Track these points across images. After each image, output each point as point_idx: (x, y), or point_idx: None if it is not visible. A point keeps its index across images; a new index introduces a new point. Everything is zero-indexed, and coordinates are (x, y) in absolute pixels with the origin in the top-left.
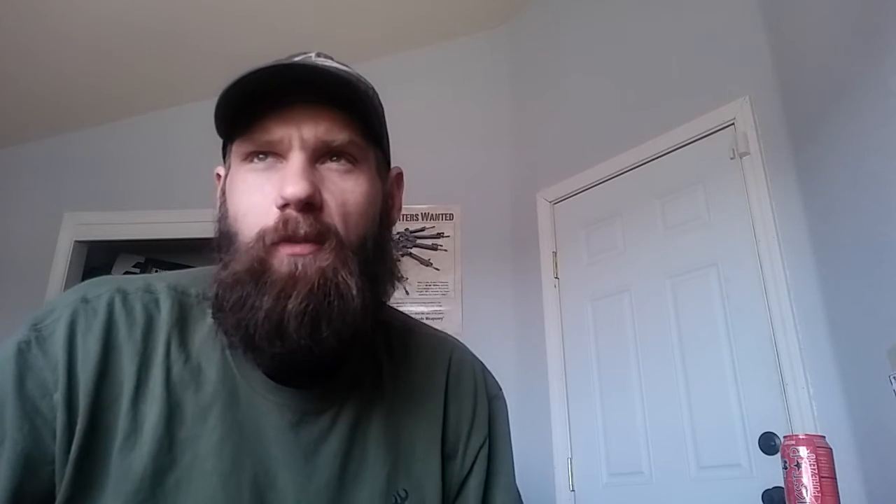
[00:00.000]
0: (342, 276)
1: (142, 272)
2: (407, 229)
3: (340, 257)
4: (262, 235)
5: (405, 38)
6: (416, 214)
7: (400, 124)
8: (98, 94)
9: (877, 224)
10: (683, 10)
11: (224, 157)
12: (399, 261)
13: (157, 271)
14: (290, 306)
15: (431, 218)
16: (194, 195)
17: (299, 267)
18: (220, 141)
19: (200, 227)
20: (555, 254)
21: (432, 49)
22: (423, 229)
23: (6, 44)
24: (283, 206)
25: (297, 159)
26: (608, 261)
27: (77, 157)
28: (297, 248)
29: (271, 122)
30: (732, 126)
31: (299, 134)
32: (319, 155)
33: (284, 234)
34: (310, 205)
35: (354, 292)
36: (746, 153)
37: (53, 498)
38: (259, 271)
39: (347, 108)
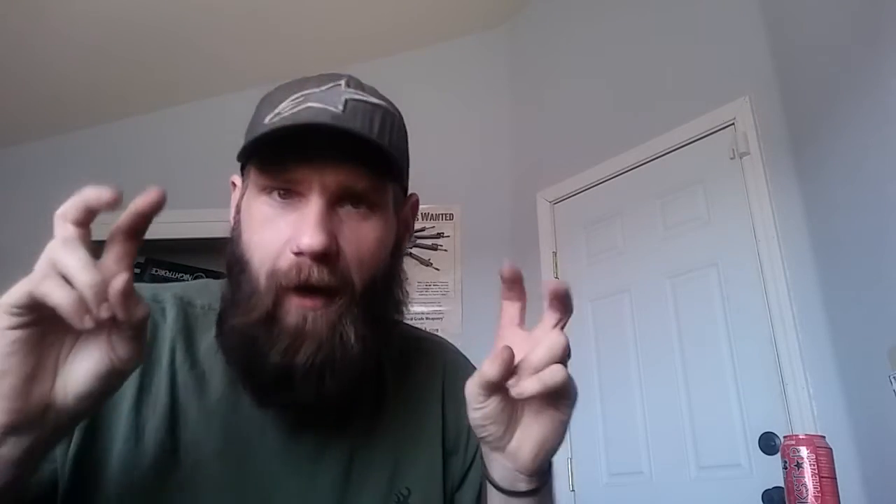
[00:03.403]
0: (346, 325)
1: (142, 272)
2: None
3: (349, 308)
4: (274, 276)
5: (405, 38)
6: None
7: None
8: (98, 93)
9: (877, 224)
10: (683, 10)
11: (242, 169)
12: (407, 292)
13: (156, 271)
14: (297, 361)
15: (431, 218)
16: (194, 195)
17: (308, 321)
18: (221, 141)
19: (200, 227)
20: (555, 254)
21: (432, 49)
22: (423, 229)
23: (6, 44)
24: (298, 253)
25: (316, 206)
26: (608, 261)
27: (77, 157)
28: (308, 302)
29: (294, 162)
30: (732, 126)
31: (321, 179)
32: (339, 199)
33: (297, 281)
34: (326, 255)
35: (353, 340)
36: (746, 153)
37: (56, 496)
38: (269, 321)
39: (371, 158)
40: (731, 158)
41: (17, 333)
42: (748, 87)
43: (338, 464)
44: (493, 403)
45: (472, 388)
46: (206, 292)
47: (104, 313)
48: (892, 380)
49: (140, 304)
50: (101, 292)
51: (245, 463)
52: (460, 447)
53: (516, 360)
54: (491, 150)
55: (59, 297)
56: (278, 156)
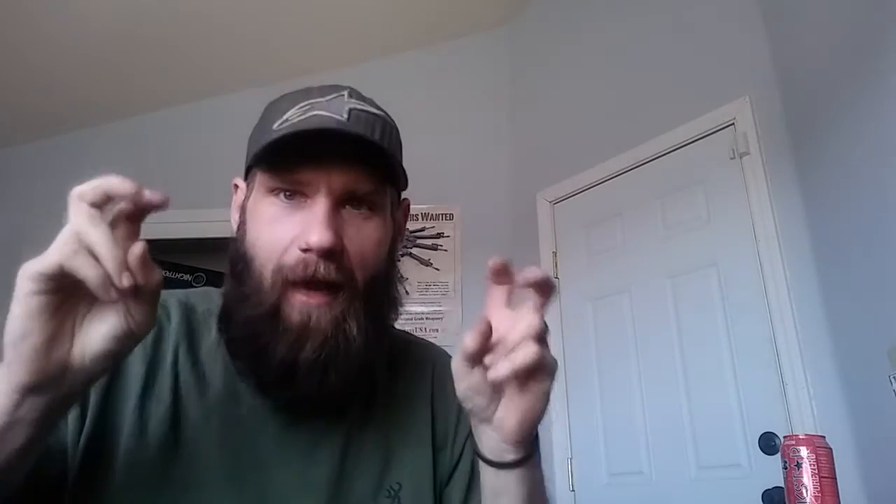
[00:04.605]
0: (349, 321)
1: None
2: (407, 229)
3: (351, 303)
4: (280, 271)
5: (405, 38)
6: (416, 214)
7: (400, 125)
8: (99, 94)
9: (877, 224)
10: (683, 10)
11: (246, 172)
12: (403, 291)
13: None
14: (302, 356)
15: (431, 218)
16: (195, 195)
17: (312, 318)
18: (220, 142)
19: (200, 227)
20: (555, 254)
21: (432, 49)
22: (423, 229)
23: (6, 43)
24: (306, 250)
25: (323, 206)
26: (608, 261)
27: (77, 158)
28: (313, 300)
29: (302, 165)
30: (732, 126)
31: (328, 181)
32: (342, 200)
33: (304, 276)
34: (332, 252)
35: (355, 332)
36: (746, 153)
37: (65, 484)
38: (274, 317)
39: (374, 163)
40: (731, 158)
41: (41, 299)
42: (748, 87)
43: (331, 457)
44: (477, 376)
45: (456, 362)
46: (207, 299)
47: (126, 282)
48: (892, 380)
49: (154, 270)
50: (124, 265)
51: (243, 456)
52: (448, 443)
53: (497, 336)
54: (491, 150)
55: (89, 272)
56: (288, 160)
